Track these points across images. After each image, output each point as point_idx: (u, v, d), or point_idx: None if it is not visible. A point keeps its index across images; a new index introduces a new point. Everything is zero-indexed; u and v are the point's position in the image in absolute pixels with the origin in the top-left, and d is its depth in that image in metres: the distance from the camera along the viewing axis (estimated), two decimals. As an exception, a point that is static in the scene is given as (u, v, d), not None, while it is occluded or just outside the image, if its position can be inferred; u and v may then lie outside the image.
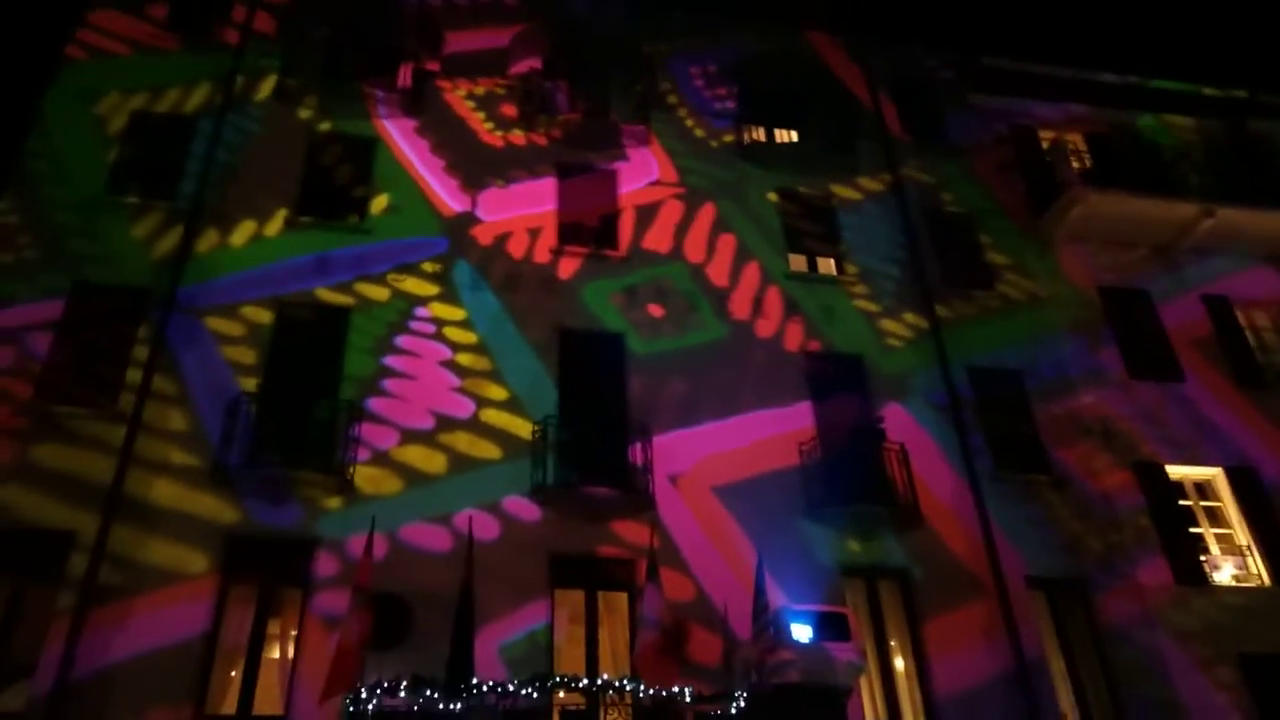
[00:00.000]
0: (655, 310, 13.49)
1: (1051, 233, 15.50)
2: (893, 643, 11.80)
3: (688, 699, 9.18)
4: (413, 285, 12.95)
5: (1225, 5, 36.32)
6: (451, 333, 12.68)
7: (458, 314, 12.84)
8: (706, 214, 14.70)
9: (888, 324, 14.21)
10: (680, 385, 12.84)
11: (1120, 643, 12.11)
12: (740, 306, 13.87)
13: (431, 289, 12.96)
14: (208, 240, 12.72)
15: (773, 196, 15.17)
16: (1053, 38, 34.69)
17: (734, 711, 9.28)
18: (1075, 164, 15.79)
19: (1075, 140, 16.86)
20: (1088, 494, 13.18)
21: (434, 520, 11.16)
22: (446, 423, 11.92)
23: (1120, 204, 15.20)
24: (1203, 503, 13.73)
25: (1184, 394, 14.43)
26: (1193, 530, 13.34)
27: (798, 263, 14.72)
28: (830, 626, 9.69)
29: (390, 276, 12.92)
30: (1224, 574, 13.05)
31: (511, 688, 8.64)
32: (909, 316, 14.31)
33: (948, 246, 15.24)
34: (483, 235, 13.61)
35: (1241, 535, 13.41)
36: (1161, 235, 15.62)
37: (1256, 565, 13.08)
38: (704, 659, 10.68)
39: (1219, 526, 13.55)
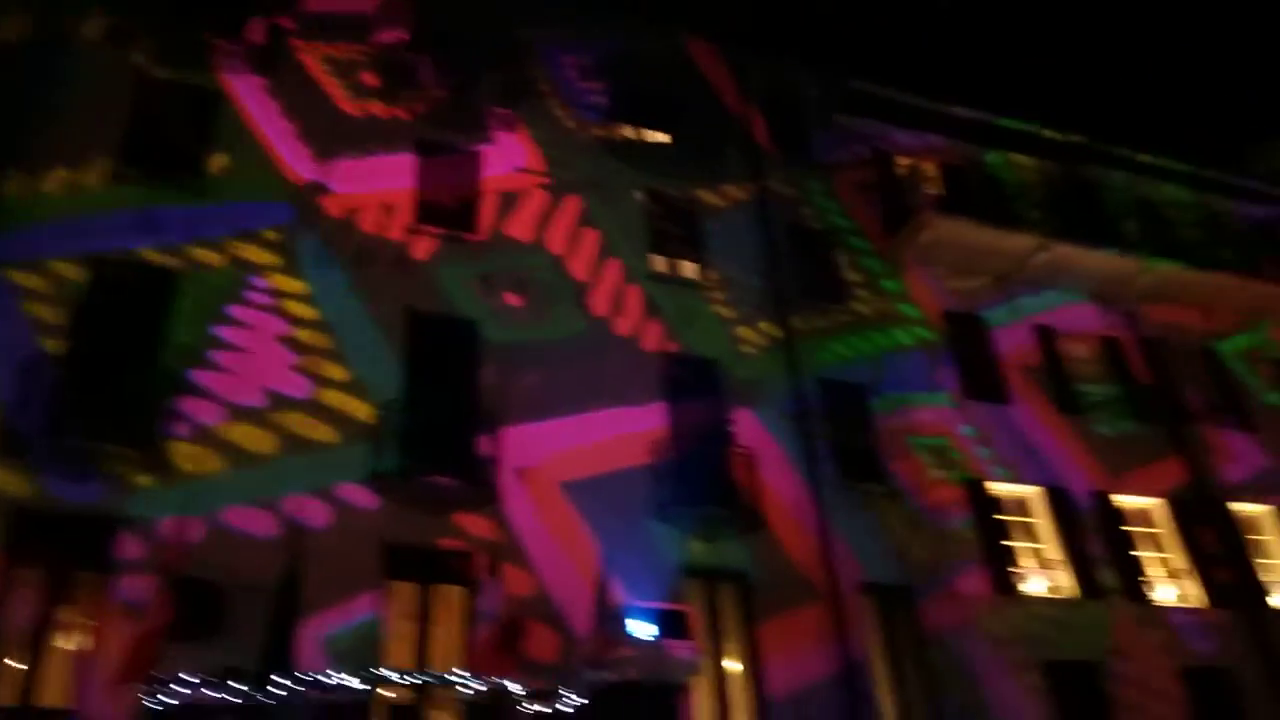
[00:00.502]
0: (513, 299, 13.12)
1: (902, 254, 16.06)
2: (729, 643, 11.83)
3: (520, 694, 8.86)
4: (251, 253, 12.09)
5: (1074, 54, 39.13)
6: (292, 306, 11.91)
7: (299, 287, 12.07)
8: (571, 206, 14.45)
9: (744, 331, 14.34)
10: (534, 378, 12.52)
11: (940, 648, 12.58)
12: (600, 302, 13.68)
13: (272, 258, 12.14)
14: (17, 185, 11.47)
15: (639, 196, 15.08)
16: (919, 67, 36.40)
17: (569, 708, 9.03)
18: (928, 190, 16.46)
19: (930, 168, 17.57)
20: (919, 505, 13.67)
21: (259, 504, 10.40)
22: (280, 401, 11.16)
23: (965, 231, 15.93)
24: (1020, 519, 14.50)
25: (1010, 416, 15.21)
26: (1010, 544, 14.05)
27: (660, 264, 14.67)
28: (670, 624, 9.61)
29: (226, 242, 12.02)
30: (1036, 586, 13.79)
31: (332, 681, 8.09)
32: (765, 325, 14.49)
33: (806, 260, 15.54)
34: (333, 207, 12.88)
35: (1053, 551, 14.21)
36: (1000, 265, 16.45)
37: (1066, 579, 13.89)
38: (542, 655, 10.36)
39: (1034, 542, 14.33)
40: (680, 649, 9.48)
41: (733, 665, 11.70)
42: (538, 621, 10.60)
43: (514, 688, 9.13)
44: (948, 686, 12.31)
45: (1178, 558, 14.78)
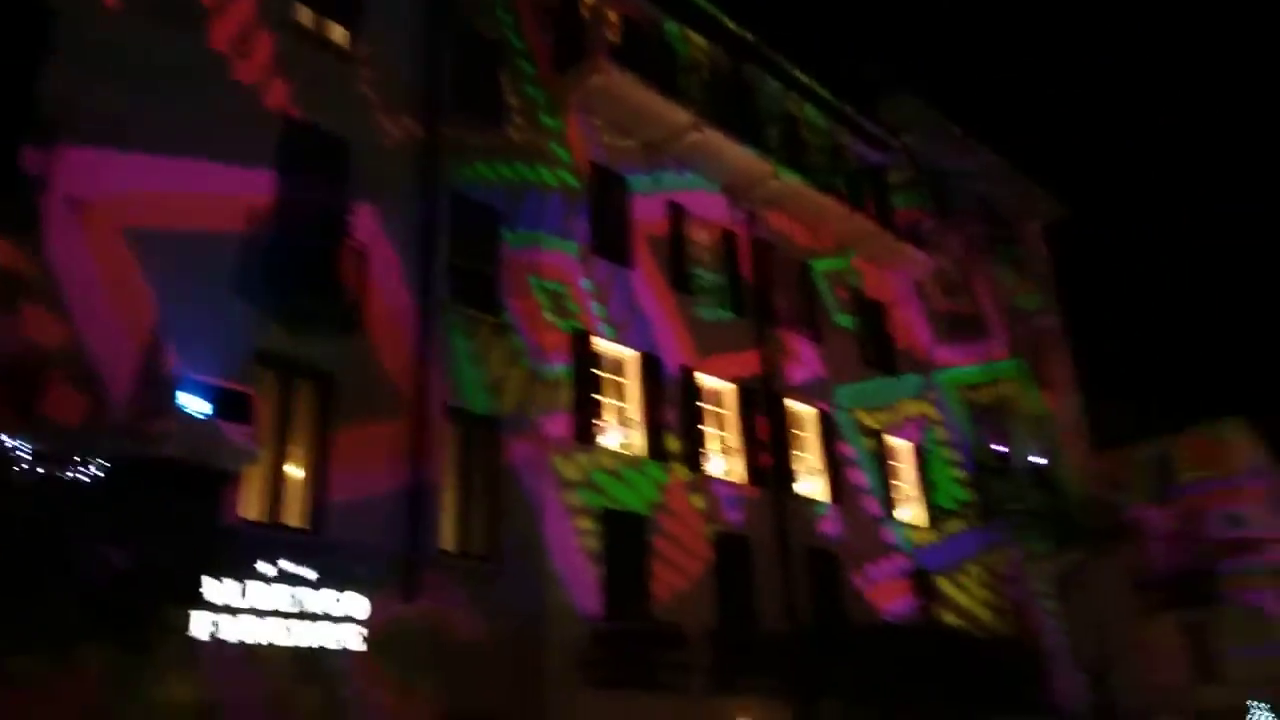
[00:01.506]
0: (108, -3, 10.58)
1: (567, 93, 15.53)
2: (296, 441, 10.93)
3: (25, 452, 7.36)
4: None
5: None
6: None
7: None
8: (209, -87, 11.90)
9: (385, 120, 13.00)
10: (118, 98, 10.26)
11: (512, 483, 12.77)
12: (221, 35, 11.54)
13: None
14: None
15: (299, -71, 12.85)
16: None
17: (88, 478, 7.68)
18: (606, 36, 15.96)
19: (613, 15, 17.08)
20: (525, 344, 13.59)
21: None
22: None
23: (633, 89, 15.75)
24: (614, 377, 15.05)
25: (629, 280, 15.59)
26: (599, 399, 14.56)
27: (306, 16, 12.72)
28: (229, 406, 8.52)
29: None
30: (612, 440, 14.46)
31: None
32: (409, 122, 13.25)
33: (469, 68, 14.41)
34: None
35: (635, 412, 14.96)
36: (655, 133, 16.58)
37: (639, 439, 14.73)
38: (63, 416, 8.71)
39: (620, 400, 14.97)
40: (235, 433, 8.45)
41: (296, 465, 10.86)
42: (63, 376, 8.88)
43: (13, 443, 7.56)
44: (511, 520, 12.55)
45: (733, 437, 16.31)
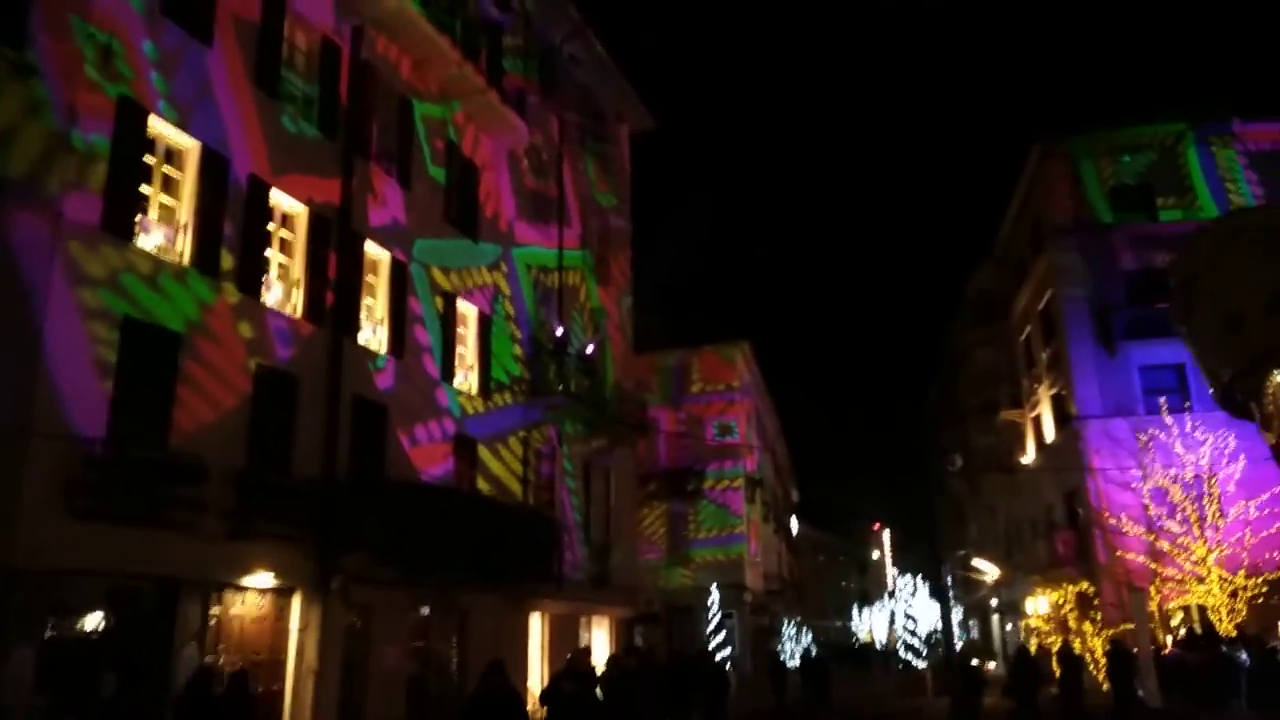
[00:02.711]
0: None
1: None
2: None
3: None
4: None
5: None
6: None
7: None
8: None
9: None
10: None
11: (9, 263, 10.16)
12: None
13: None
14: None
15: None
16: None
17: None
18: None
19: None
20: (55, 98, 10.81)
21: None
22: None
23: None
24: (168, 168, 12.65)
25: (205, 59, 13.11)
26: (147, 189, 12.15)
27: None
28: None
29: None
30: (152, 240, 12.18)
31: None
32: None
33: None
34: None
35: (187, 213, 12.75)
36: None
37: (188, 245, 12.58)
38: None
39: (173, 196, 12.65)
40: None
41: None
42: None
43: None
44: (-4, 308, 9.97)
45: (298, 268, 14.71)
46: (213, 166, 13.08)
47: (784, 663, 27.85)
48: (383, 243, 16.57)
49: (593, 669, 12.99)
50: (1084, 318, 29.59)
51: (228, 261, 13.13)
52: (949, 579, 47.95)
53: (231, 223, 13.27)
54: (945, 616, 33.43)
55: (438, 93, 18.69)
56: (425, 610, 16.16)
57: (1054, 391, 32.40)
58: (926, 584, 45.92)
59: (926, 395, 63.11)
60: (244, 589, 12.79)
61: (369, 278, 16.38)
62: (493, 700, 9.33)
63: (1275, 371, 6.94)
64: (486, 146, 20.50)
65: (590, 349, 22.62)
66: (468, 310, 19.13)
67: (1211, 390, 8.14)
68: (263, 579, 12.86)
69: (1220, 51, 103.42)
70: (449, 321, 18.24)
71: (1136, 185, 30.46)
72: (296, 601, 13.55)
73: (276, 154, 14.28)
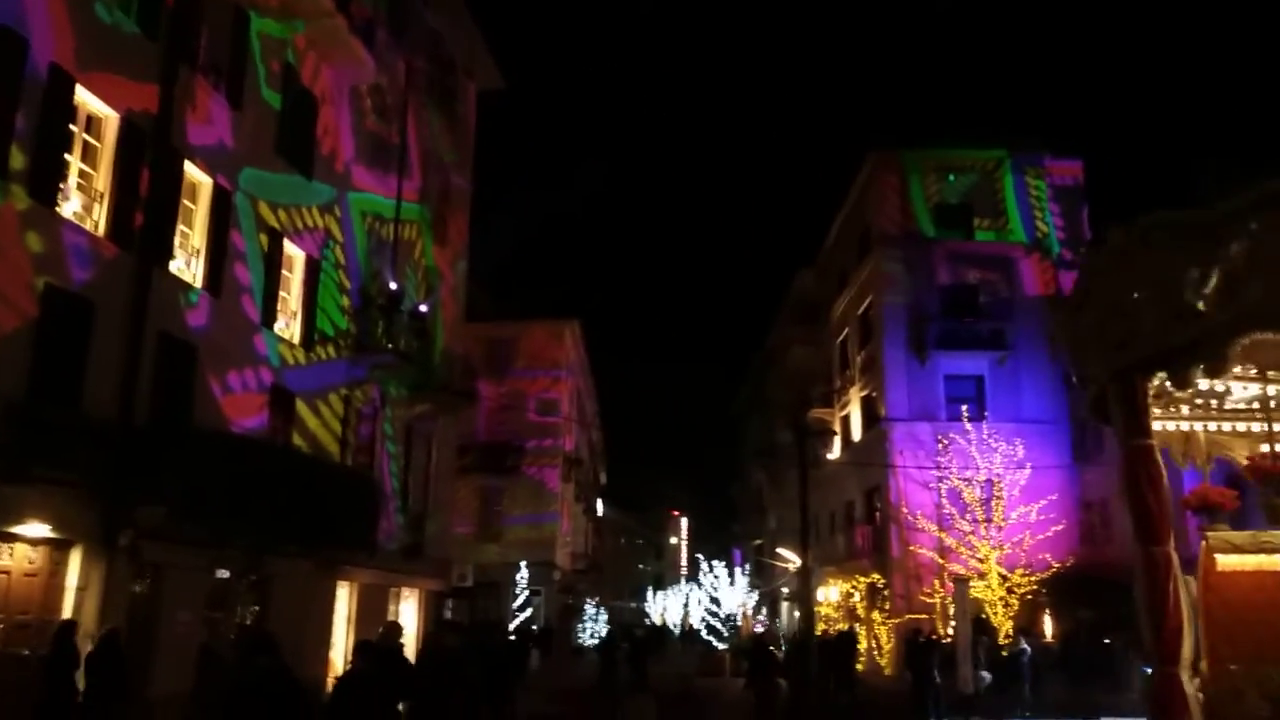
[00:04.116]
0: None
1: None
2: None
3: None
4: None
5: None
6: None
7: None
8: None
9: None
10: None
11: None
12: None
13: None
14: None
15: None
16: None
17: None
18: None
19: None
20: None
21: None
22: None
23: None
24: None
25: None
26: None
27: None
28: None
29: None
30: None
31: None
32: None
33: None
34: None
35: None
36: None
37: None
38: None
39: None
40: None
41: None
42: None
43: None
44: None
45: (104, 180, 12.86)
46: (6, 46, 11.14)
47: (617, 641, 26.15)
48: (205, 166, 14.83)
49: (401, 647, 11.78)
50: (901, 325, 31.02)
51: (18, 160, 11.24)
52: (747, 566, 49.61)
53: (25, 117, 11.37)
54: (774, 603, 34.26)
55: (278, 8, 16.96)
56: (225, 574, 14.64)
57: (865, 393, 33.87)
58: (727, 570, 47.35)
59: (738, 391, 64.99)
60: (14, 539, 11.03)
61: (187, 202, 14.62)
62: (262, 690, 6.59)
63: (1160, 374, 7.10)
64: (328, 78, 18.88)
65: (425, 308, 21.41)
66: (295, 253, 17.54)
67: (1086, 392, 8.33)
68: (37, 529, 11.14)
69: (1039, 88, 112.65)
70: (274, 262, 16.63)
71: (958, 204, 32.23)
72: (76, 557, 11.86)
73: (85, 46, 12.39)
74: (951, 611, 29.02)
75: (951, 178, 32.23)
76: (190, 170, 14.51)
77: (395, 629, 11.24)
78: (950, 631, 27.25)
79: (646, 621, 71.09)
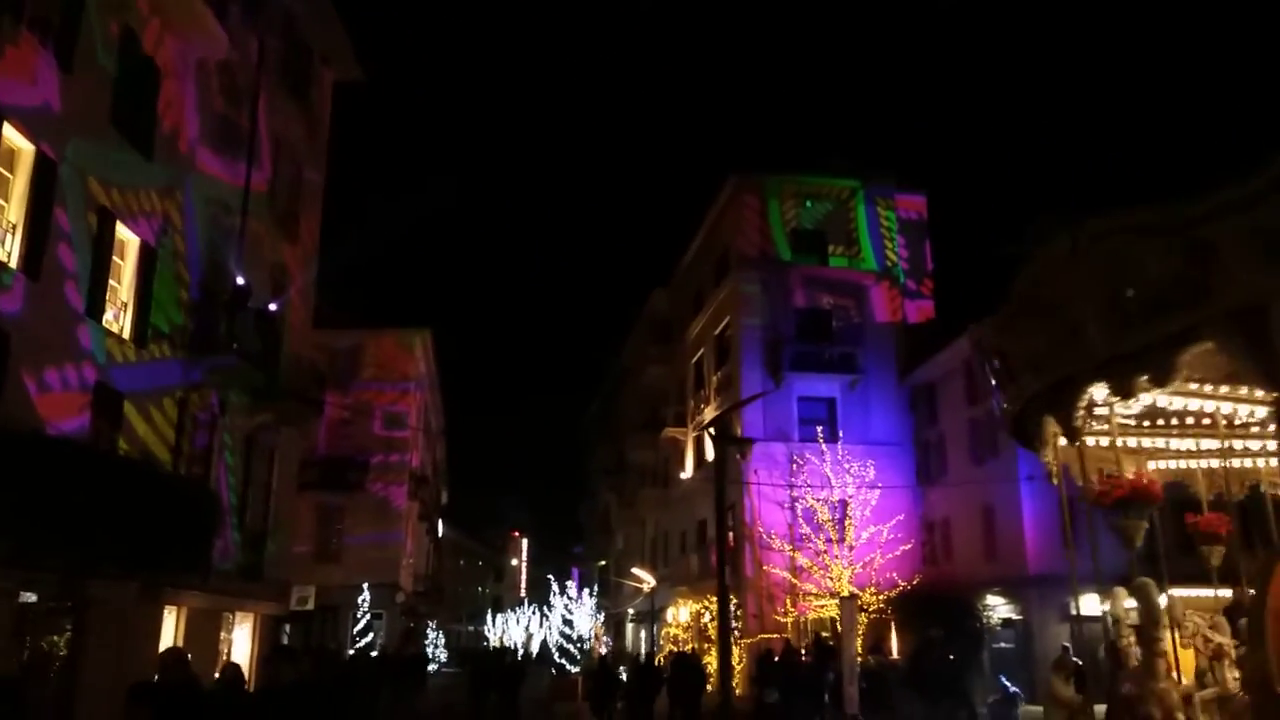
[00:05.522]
0: None
1: None
2: None
3: None
4: None
5: None
6: None
7: None
8: None
9: None
10: None
11: None
12: None
13: None
14: None
15: None
16: None
17: None
18: None
19: None
20: None
21: None
22: None
23: None
24: None
25: None
26: None
27: None
28: None
29: None
30: None
31: None
32: None
33: None
34: None
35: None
36: None
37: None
38: None
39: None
40: None
41: None
42: None
43: None
44: None
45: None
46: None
47: (488, 667, 24.48)
48: (26, 130, 12.96)
49: (194, 682, 8.67)
50: (757, 346, 31.37)
51: None
52: (595, 586, 48.96)
53: None
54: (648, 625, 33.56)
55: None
56: (32, 597, 12.70)
57: (720, 413, 34.03)
58: (579, 590, 46.50)
59: (586, 410, 64.48)
60: None
61: (3, 170, 12.74)
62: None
63: (1091, 386, 6.99)
64: (173, 48, 17.12)
65: (273, 306, 19.74)
66: (129, 237, 15.69)
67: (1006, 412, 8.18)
68: None
69: (890, 121, 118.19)
70: (104, 246, 14.77)
71: (813, 230, 33.01)
72: None
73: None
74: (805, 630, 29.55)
75: (809, 204, 33.01)
76: (9, 134, 12.65)
77: (177, 657, 8.57)
78: (804, 651, 27.58)
79: (491, 645, 69.12)
